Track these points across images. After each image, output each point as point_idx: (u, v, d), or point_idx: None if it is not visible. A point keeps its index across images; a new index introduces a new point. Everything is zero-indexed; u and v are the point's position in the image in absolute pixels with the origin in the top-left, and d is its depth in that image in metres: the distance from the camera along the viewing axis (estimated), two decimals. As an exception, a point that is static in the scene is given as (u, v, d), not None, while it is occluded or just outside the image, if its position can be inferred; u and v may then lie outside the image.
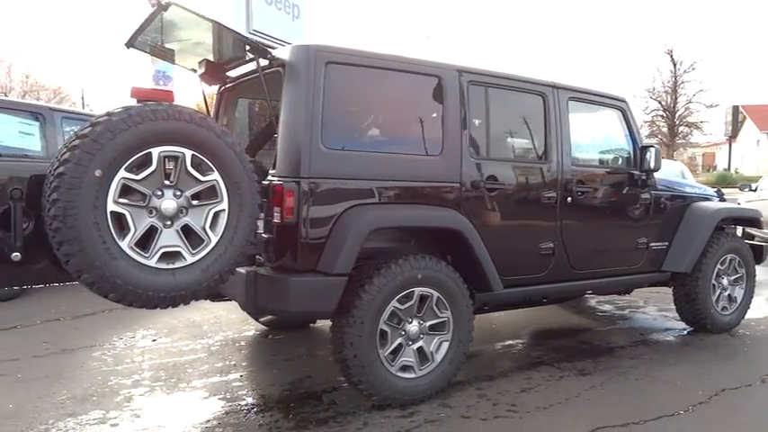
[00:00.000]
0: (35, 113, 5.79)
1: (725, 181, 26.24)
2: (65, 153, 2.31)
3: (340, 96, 3.11)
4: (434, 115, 3.38)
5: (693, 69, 38.11)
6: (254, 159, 4.11)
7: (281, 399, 3.33)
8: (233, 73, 3.80)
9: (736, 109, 33.65)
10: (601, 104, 4.22)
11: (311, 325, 4.74)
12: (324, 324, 4.68)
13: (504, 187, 3.59)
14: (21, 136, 5.59)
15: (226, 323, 4.85)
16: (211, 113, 4.12)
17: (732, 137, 33.98)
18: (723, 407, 3.31)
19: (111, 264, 2.33)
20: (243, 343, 4.37)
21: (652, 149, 4.20)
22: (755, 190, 10.69)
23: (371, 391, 3.11)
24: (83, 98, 32.96)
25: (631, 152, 4.32)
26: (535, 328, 4.92)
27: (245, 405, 3.23)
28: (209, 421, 3.04)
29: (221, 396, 3.35)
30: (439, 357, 3.31)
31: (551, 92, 3.84)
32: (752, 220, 4.98)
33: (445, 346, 3.32)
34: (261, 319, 4.57)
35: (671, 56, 38.24)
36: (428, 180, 3.33)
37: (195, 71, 3.83)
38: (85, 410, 3.13)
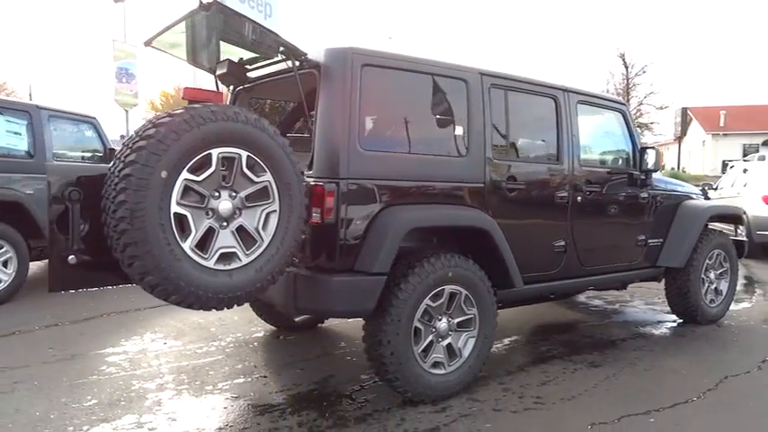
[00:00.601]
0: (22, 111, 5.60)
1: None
2: (130, 154, 2.28)
3: (374, 98, 3.17)
4: (460, 117, 3.46)
5: (644, 72, 39.54)
6: None
7: (311, 398, 3.35)
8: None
9: (684, 111, 35.00)
10: (604, 107, 4.40)
11: (319, 325, 4.76)
12: (330, 324, 4.74)
13: (523, 187, 3.71)
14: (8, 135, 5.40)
15: (232, 325, 4.82)
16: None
17: (680, 137, 35.39)
18: (731, 393, 3.52)
19: (175, 265, 2.33)
20: (256, 344, 4.36)
21: (651, 151, 4.41)
22: (716, 188, 11.26)
23: (406, 388, 3.18)
24: (30, 95, 31.75)
25: (631, 153, 4.53)
26: (536, 324, 5.08)
27: (278, 406, 3.24)
28: (247, 423, 3.04)
29: (251, 398, 3.34)
30: (466, 353, 3.40)
31: (562, 95, 3.98)
32: (736, 217, 5.26)
33: (471, 342, 3.42)
34: (296, 319, 4.48)
35: (623, 59, 39.56)
36: (455, 180, 3.42)
37: (212, 71, 3.81)
38: (117, 415, 3.08)
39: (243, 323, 4.87)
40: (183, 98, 2.74)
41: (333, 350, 4.22)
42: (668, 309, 5.15)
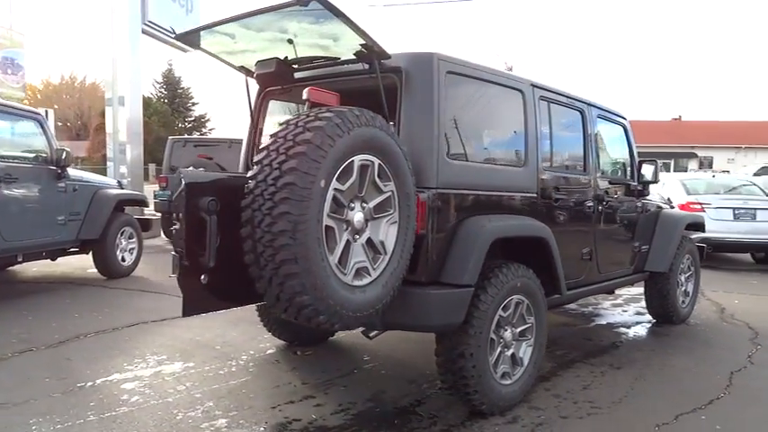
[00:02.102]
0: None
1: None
2: (286, 160, 2.05)
3: (455, 107, 3.11)
4: (519, 127, 3.49)
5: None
6: None
7: (377, 417, 3.20)
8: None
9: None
10: (613, 121, 4.65)
11: (329, 339, 4.58)
12: (339, 338, 4.56)
13: (564, 197, 3.82)
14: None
15: (237, 342, 4.49)
16: (251, 114, 3.84)
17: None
18: (747, 387, 3.83)
19: (327, 283, 2.13)
20: (277, 362, 4.09)
21: (650, 164, 4.73)
22: None
23: (483, 400, 3.14)
24: None
25: (631, 165, 4.82)
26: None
27: (350, 427, 3.06)
28: (329, 448, 2.84)
29: (317, 422, 3.13)
30: (526, 362, 3.43)
31: (587, 108, 4.15)
32: (700, 225, 5.77)
33: (530, 350, 3.45)
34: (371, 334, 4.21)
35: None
36: (517, 190, 3.45)
37: (244, 70, 3.56)
38: (183, 451, 2.75)
39: (246, 339, 4.56)
40: (306, 99, 2.51)
41: (362, 365, 4.07)
42: (635, 310, 5.53)
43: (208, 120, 51.87)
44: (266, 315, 4.23)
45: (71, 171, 6.24)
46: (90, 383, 3.55)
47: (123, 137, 10.83)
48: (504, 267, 3.19)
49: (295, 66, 3.41)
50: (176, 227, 2.19)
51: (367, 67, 3.08)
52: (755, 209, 9.21)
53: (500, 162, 3.42)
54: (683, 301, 5.52)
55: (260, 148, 2.28)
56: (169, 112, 46.40)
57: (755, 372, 4.16)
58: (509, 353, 3.33)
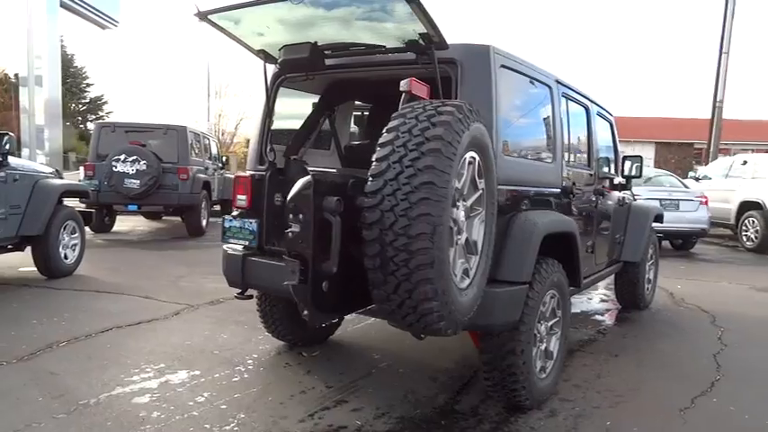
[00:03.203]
0: None
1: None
2: (420, 157, 1.89)
3: (505, 102, 3.06)
4: (549, 123, 3.51)
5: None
6: (297, 158, 3.74)
7: (421, 418, 3.12)
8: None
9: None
10: (604, 117, 4.80)
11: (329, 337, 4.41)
12: (337, 337, 4.41)
13: (579, 192, 3.90)
14: None
15: (233, 345, 4.22)
16: (265, 101, 3.59)
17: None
18: (736, 369, 4.12)
19: (451, 288, 2.00)
20: (288, 364, 3.87)
21: (634, 159, 4.94)
22: (699, 179, 12.88)
23: (527, 396, 3.15)
24: None
25: (615, 160, 5.02)
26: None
27: (401, 431, 2.96)
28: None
29: (362, 427, 2.99)
30: (555, 355, 3.48)
31: (591, 105, 4.26)
32: (660, 217, 6.13)
33: (557, 343, 3.51)
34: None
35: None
36: (547, 186, 3.47)
37: (264, 54, 3.32)
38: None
39: (240, 341, 4.30)
40: (409, 90, 2.34)
41: (376, 364, 3.95)
42: (598, 298, 5.82)
43: (105, 102, 48.47)
44: (270, 315, 3.99)
45: (11, 159, 5.56)
46: (93, 400, 3.18)
47: (41, 119, 9.83)
48: (544, 263, 3.21)
49: (327, 52, 3.21)
50: (294, 229, 1.97)
51: (414, 57, 2.96)
52: (679, 200, 9.99)
53: (537, 158, 3.43)
54: (647, 288, 5.86)
55: (379, 143, 2.10)
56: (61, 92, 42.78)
57: (733, 353, 4.49)
58: (542, 347, 3.36)
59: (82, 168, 9.88)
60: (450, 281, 2.05)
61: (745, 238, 10.99)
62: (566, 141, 3.74)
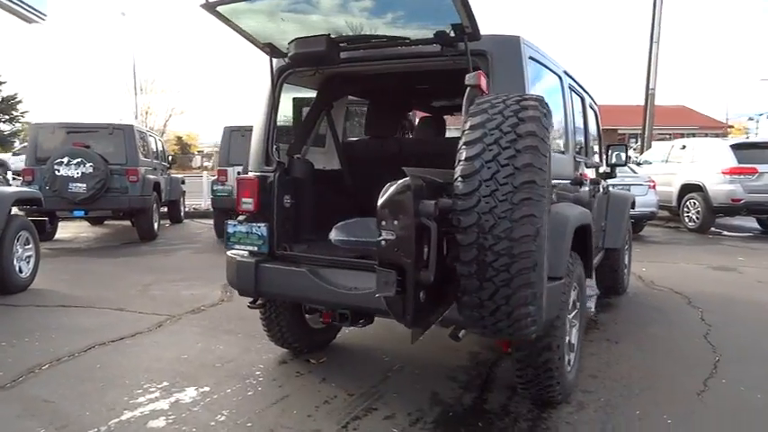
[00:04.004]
0: None
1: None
2: (517, 155, 1.78)
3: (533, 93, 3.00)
4: (561, 114, 3.49)
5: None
6: (300, 156, 3.59)
7: (456, 421, 3.05)
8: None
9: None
10: (593, 107, 4.86)
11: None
12: (339, 340, 4.25)
13: (585, 182, 3.92)
14: None
15: (227, 356, 3.99)
16: (268, 97, 3.40)
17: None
18: (732, 348, 4.28)
19: (542, 290, 1.91)
20: (299, 373, 3.69)
21: (617, 148, 5.04)
22: (641, 164, 13.14)
23: (561, 390, 3.13)
24: None
25: (599, 149, 5.10)
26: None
27: (441, 436, 2.88)
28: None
29: (400, 434, 2.89)
30: (576, 347, 3.49)
31: (586, 95, 4.29)
32: (633, 203, 6.31)
33: (576, 335, 3.52)
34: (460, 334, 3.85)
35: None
36: (561, 177, 3.45)
37: (270, 48, 3.13)
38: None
39: (239, 352, 4.08)
40: (475, 85, 2.21)
41: (389, 367, 3.83)
42: None
43: (19, 101, 45.23)
44: (276, 322, 3.79)
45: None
46: (104, 428, 2.90)
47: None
48: (570, 256, 3.19)
49: (342, 45, 3.05)
50: (388, 237, 1.82)
51: (440, 49, 2.86)
52: (630, 184, 10.35)
53: (557, 150, 3.41)
54: (625, 273, 6.03)
55: (465, 141, 1.97)
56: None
57: (720, 333, 4.66)
58: (566, 340, 3.35)
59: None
60: (544, 282, 1.97)
61: (687, 219, 11.56)
62: (574, 132, 3.75)
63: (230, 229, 3.43)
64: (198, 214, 13.30)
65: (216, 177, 9.41)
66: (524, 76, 2.82)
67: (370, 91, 4.21)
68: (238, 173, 9.18)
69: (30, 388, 3.42)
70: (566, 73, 3.65)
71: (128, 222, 10.13)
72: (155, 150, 10.68)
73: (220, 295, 5.73)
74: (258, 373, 3.69)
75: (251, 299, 3.46)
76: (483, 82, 2.21)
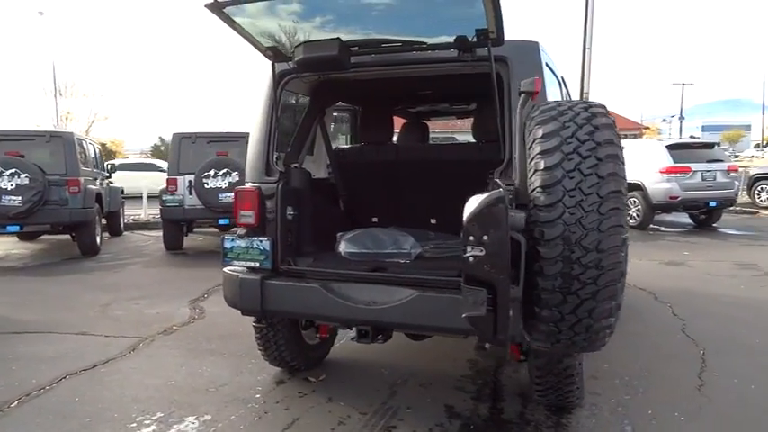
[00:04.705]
0: None
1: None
2: (600, 163, 1.72)
3: (549, 99, 2.98)
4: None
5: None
6: (298, 166, 3.47)
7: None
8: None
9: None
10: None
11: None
12: (333, 356, 4.09)
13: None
14: None
15: (218, 379, 3.75)
16: (268, 103, 3.24)
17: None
18: (709, 340, 4.46)
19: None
20: (302, 393, 3.51)
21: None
22: None
23: (579, 395, 3.13)
24: None
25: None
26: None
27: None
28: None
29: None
30: (582, 350, 3.50)
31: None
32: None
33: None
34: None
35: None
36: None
37: (273, 52, 2.98)
38: None
39: (230, 374, 3.84)
40: (532, 91, 2.12)
41: (393, 381, 3.71)
42: None
43: None
44: (273, 341, 3.59)
45: None
46: (106, 470, 2.63)
47: None
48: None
49: (353, 49, 2.92)
50: (476, 253, 1.70)
51: (457, 54, 2.79)
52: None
53: None
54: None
55: (541, 151, 1.88)
56: None
57: (695, 327, 4.85)
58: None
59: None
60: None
61: (627, 217, 12.07)
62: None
63: (227, 244, 3.22)
64: (138, 226, 12.62)
65: (165, 186, 8.94)
66: (544, 82, 2.79)
67: (365, 97, 4.08)
68: (190, 182, 8.88)
69: (4, 429, 3.07)
70: (562, 78, 3.68)
71: (64, 237, 9.47)
72: (94, 159, 10.04)
73: (190, 313, 5.42)
74: (258, 395, 3.48)
75: (252, 317, 3.26)
76: (539, 85, 2.16)
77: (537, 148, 1.88)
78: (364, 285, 2.96)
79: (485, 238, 1.70)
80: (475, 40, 2.67)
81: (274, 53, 3.02)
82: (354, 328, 2.97)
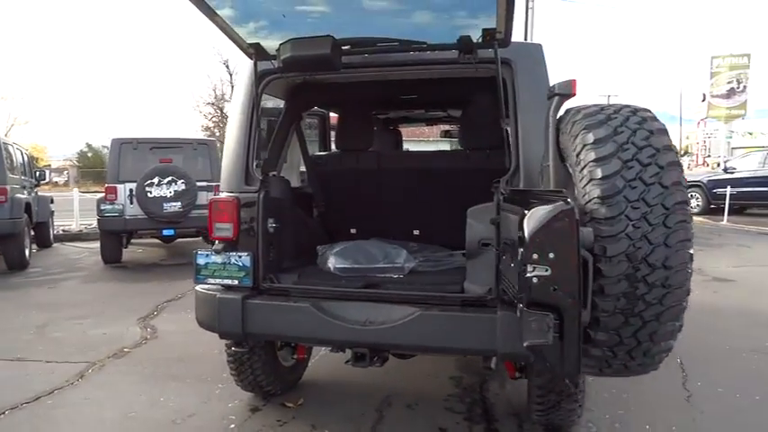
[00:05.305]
0: None
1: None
2: (659, 173, 1.57)
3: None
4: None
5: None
6: (277, 174, 3.23)
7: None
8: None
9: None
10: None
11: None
12: (306, 379, 3.82)
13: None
14: None
15: (188, 409, 3.40)
16: (247, 104, 2.97)
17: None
18: (683, 346, 4.47)
19: None
20: (282, 421, 3.20)
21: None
22: None
23: (579, 413, 3.01)
24: None
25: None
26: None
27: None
28: None
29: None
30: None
31: None
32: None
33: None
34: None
35: (227, 66, 40.81)
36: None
37: (255, 49, 2.72)
38: None
39: (199, 401, 3.50)
40: (569, 94, 1.95)
41: (377, 402, 3.47)
42: None
43: None
44: (248, 365, 3.28)
45: None
46: None
47: None
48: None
49: (345, 48, 2.70)
50: (540, 273, 1.49)
51: (458, 55, 2.62)
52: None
53: None
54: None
55: (597, 157, 1.69)
56: None
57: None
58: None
59: None
60: None
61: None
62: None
63: (201, 260, 2.91)
64: (69, 237, 11.78)
65: (104, 195, 8.33)
66: (548, 85, 2.66)
67: (347, 101, 3.84)
68: (130, 190, 8.31)
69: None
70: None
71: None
72: (22, 165, 9.26)
73: (141, 332, 4.98)
74: (233, 426, 3.17)
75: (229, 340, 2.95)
76: (576, 88, 2.00)
77: (590, 155, 1.72)
78: (357, 303, 2.73)
79: (551, 255, 1.51)
80: (480, 40, 2.51)
81: (256, 51, 2.75)
82: (350, 351, 2.73)
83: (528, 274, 1.52)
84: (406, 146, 5.70)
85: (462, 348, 2.59)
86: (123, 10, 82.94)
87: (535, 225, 1.51)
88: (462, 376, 3.87)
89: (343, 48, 2.68)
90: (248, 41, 2.70)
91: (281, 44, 2.66)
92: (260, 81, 2.91)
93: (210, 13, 2.46)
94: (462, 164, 3.52)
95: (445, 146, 11.73)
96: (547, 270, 1.51)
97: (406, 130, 6.00)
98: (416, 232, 3.71)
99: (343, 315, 2.67)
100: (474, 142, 3.49)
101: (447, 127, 5.60)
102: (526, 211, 1.59)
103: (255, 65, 2.82)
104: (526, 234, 1.51)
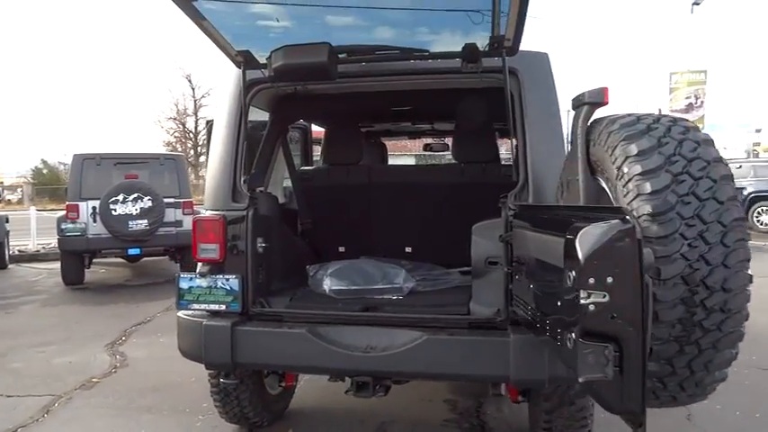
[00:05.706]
0: None
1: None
2: (713, 187, 1.45)
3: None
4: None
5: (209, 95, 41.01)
6: (264, 190, 3.06)
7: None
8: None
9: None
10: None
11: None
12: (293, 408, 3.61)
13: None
14: None
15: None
16: (234, 116, 2.78)
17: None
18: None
19: None
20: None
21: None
22: None
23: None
24: None
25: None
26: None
27: None
28: None
29: None
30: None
31: None
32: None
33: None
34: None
35: (189, 80, 40.16)
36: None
37: (244, 57, 2.55)
38: None
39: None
40: (601, 102, 1.82)
41: (372, 430, 3.29)
42: None
43: None
44: (234, 396, 3.05)
45: None
46: None
47: None
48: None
49: (341, 56, 2.55)
50: (597, 299, 1.33)
51: (461, 64, 2.50)
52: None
53: None
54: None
55: (642, 171, 1.56)
56: None
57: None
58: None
59: None
60: None
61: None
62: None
63: (184, 284, 2.69)
64: (25, 257, 11.19)
65: (64, 213, 7.92)
66: (556, 94, 2.57)
67: (337, 113, 3.68)
68: (93, 208, 7.93)
69: None
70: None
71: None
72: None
73: (110, 360, 4.67)
74: (222, 462, 2.93)
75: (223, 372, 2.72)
76: (608, 95, 1.88)
77: (636, 168, 1.58)
78: (356, 328, 2.55)
79: (609, 280, 1.36)
80: (487, 48, 2.39)
81: (245, 59, 2.57)
82: (349, 380, 2.54)
83: (583, 301, 1.37)
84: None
85: (472, 375, 2.44)
86: (78, 21, 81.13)
87: (591, 246, 1.36)
88: (457, 399, 3.71)
89: (339, 56, 2.53)
90: (237, 49, 2.52)
91: (272, 51, 2.49)
92: (248, 91, 2.73)
93: (198, 18, 2.28)
94: (457, 178, 3.39)
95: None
96: (605, 296, 1.36)
97: (393, 145, 5.86)
98: (408, 249, 3.55)
99: (342, 341, 2.49)
100: (469, 155, 3.37)
101: (430, 140, 5.49)
102: (570, 233, 1.44)
103: (244, 73, 2.64)
104: (580, 256, 1.36)
